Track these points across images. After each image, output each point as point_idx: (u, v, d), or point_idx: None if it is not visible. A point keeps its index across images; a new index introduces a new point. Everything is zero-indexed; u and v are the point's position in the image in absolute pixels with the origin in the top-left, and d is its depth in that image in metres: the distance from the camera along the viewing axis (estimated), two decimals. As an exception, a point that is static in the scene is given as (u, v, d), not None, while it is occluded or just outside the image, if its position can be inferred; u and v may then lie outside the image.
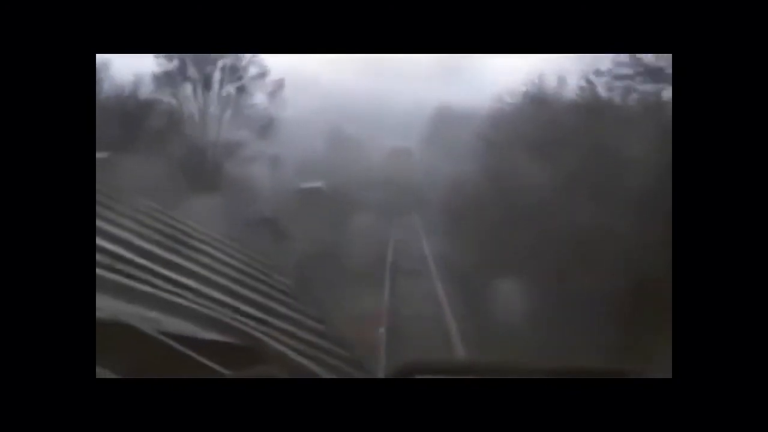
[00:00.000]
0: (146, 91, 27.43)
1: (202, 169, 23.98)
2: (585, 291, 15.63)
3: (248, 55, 29.78)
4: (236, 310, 4.95)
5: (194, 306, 4.37)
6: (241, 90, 30.91)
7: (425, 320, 16.72)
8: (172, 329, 3.62)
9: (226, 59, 29.88)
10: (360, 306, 16.93)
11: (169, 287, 4.54)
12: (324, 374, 4.30)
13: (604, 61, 21.58)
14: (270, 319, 5.22)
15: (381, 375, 3.35)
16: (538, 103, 24.89)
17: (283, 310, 5.86)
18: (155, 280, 4.51)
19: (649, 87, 21.23)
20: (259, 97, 31.14)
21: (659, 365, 2.87)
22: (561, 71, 23.16)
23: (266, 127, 30.59)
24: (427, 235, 26.60)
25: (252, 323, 4.70)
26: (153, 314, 3.68)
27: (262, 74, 30.94)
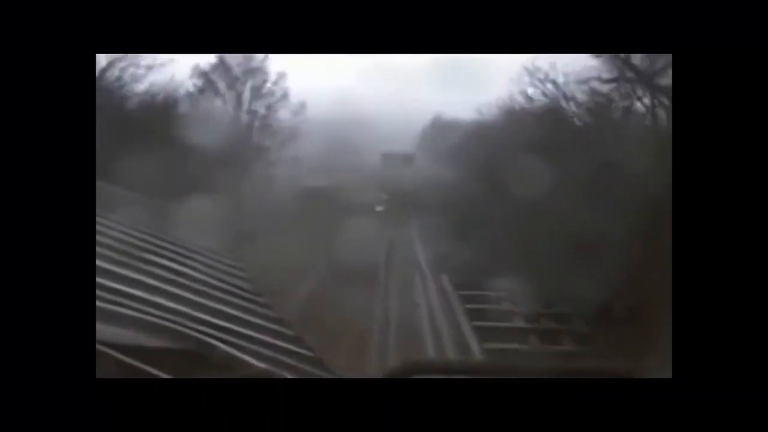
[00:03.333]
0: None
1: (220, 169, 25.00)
2: (584, 291, 15.68)
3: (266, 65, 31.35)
4: (188, 317, 4.89)
5: (140, 315, 4.33)
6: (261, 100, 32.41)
7: (419, 321, 16.77)
8: (112, 339, 3.57)
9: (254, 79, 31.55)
10: (351, 308, 16.98)
11: (115, 298, 4.51)
12: (280, 375, 4.27)
13: (607, 63, 21.62)
14: (224, 323, 5.18)
15: (380, 375, 3.34)
16: (536, 107, 24.96)
17: (240, 314, 5.82)
18: (100, 293, 4.46)
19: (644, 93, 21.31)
20: (270, 106, 32.36)
21: (659, 365, 2.87)
22: (563, 73, 23.22)
23: (286, 137, 31.89)
24: (425, 239, 26.71)
25: (202, 329, 4.65)
26: (100, 327, 3.61)
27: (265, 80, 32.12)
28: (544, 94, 23.46)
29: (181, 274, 6.29)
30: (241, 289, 6.83)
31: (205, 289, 6.13)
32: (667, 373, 2.60)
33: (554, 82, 23.03)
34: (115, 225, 6.78)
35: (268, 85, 32.34)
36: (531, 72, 23.26)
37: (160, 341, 4.13)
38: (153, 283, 5.47)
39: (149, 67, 26.39)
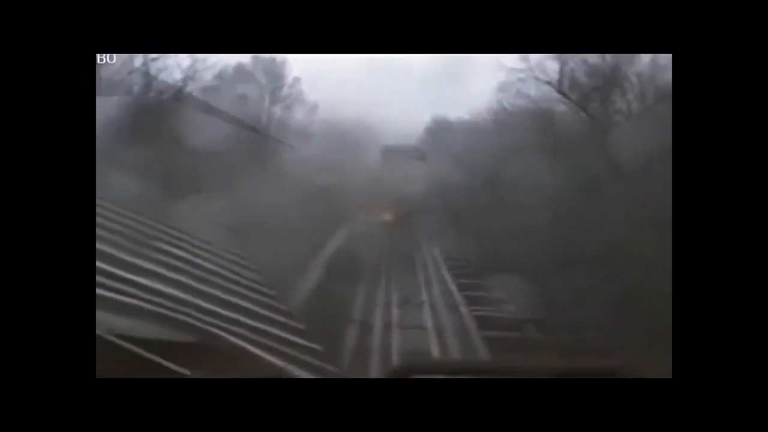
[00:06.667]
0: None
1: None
2: (583, 291, 15.70)
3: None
4: (198, 308, 4.85)
5: (151, 307, 4.30)
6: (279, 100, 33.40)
7: (416, 322, 16.79)
8: (126, 331, 3.55)
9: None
10: (350, 305, 17.03)
11: (127, 289, 4.46)
12: (293, 369, 4.25)
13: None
14: (234, 315, 5.15)
15: (379, 375, 3.35)
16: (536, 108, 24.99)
17: (249, 306, 5.79)
18: (112, 282, 4.41)
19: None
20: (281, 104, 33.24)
21: (659, 365, 2.87)
22: (564, 73, 23.21)
23: (298, 137, 32.71)
24: (427, 238, 26.76)
25: (213, 321, 4.62)
26: (107, 317, 3.56)
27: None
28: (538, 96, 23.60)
29: (189, 262, 6.26)
30: (251, 280, 6.81)
31: (213, 278, 6.10)
32: (667, 373, 2.60)
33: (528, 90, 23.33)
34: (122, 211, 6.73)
35: (286, 88, 33.13)
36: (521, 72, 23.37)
37: (165, 332, 4.11)
38: (167, 274, 5.43)
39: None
